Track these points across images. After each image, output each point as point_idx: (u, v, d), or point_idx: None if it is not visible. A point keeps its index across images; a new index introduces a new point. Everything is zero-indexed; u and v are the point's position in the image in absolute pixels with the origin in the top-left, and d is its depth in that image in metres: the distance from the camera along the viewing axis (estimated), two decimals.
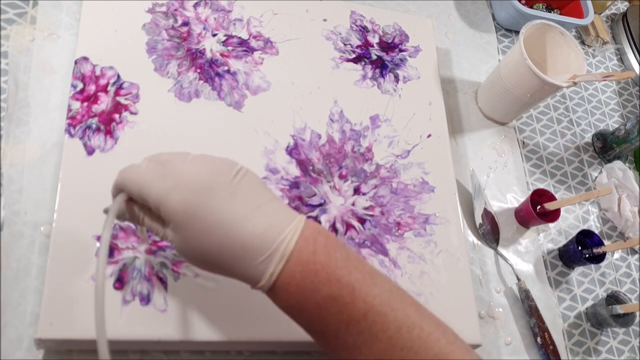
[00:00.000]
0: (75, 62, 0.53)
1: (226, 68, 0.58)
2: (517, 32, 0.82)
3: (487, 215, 0.63)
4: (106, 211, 0.38)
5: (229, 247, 0.34)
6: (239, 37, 0.60)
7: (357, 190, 0.56)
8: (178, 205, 0.34)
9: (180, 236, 0.35)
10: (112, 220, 0.36)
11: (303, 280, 0.34)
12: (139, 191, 0.36)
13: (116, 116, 0.51)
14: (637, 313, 0.62)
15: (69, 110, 0.50)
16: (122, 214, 0.38)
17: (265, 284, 0.35)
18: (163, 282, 0.46)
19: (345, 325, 0.35)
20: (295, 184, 0.54)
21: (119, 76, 0.53)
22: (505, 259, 0.63)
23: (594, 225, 0.71)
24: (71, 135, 0.49)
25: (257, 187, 0.36)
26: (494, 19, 0.82)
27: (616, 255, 0.70)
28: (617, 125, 0.79)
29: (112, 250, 0.46)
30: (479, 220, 0.63)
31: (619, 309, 0.60)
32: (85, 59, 0.53)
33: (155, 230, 0.37)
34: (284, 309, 0.36)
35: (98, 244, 0.41)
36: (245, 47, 0.60)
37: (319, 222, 0.53)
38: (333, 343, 0.36)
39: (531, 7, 0.81)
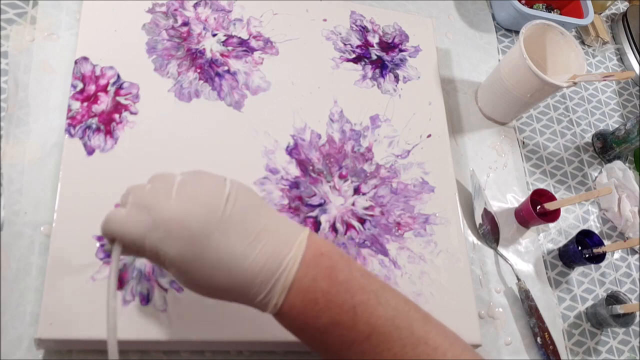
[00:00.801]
0: (75, 62, 0.53)
1: (226, 68, 0.58)
2: (517, 32, 0.82)
3: (487, 215, 0.63)
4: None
5: (230, 287, 0.34)
6: (239, 37, 0.60)
7: (357, 190, 0.56)
8: (173, 256, 0.34)
9: (183, 279, 0.35)
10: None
11: (304, 308, 0.35)
12: (133, 243, 0.35)
13: (116, 116, 0.51)
14: (637, 313, 0.62)
15: (69, 110, 0.50)
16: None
17: (271, 312, 0.36)
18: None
19: (348, 347, 0.35)
20: (295, 184, 0.54)
21: (119, 76, 0.53)
22: (505, 259, 0.63)
23: (594, 225, 0.71)
24: (71, 135, 0.49)
25: (250, 212, 0.35)
26: (494, 19, 0.82)
27: (616, 255, 0.70)
28: (617, 125, 0.79)
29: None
30: (479, 220, 0.63)
31: (619, 309, 0.60)
32: (85, 59, 0.53)
33: (161, 266, 0.37)
34: (290, 331, 0.37)
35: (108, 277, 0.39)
36: (245, 47, 0.60)
37: (319, 222, 0.53)
38: None
39: (531, 7, 0.81)
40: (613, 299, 0.62)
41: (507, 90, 0.66)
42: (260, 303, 0.35)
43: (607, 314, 0.61)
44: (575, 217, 0.70)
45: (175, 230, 0.33)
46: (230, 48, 0.59)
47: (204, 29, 0.59)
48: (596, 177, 0.75)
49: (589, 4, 0.80)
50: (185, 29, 0.58)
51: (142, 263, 0.46)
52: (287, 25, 0.63)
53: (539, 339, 0.58)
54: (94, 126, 0.50)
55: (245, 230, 0.34)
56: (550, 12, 0.83)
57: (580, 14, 0.80)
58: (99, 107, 0.51)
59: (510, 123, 0.73)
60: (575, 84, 0.63)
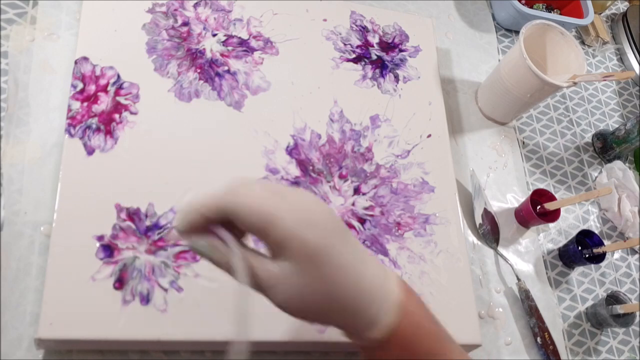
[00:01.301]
0: (75, 62, 0.53)
1: (226, 68, 0.58)
2: (517, 32, 0.82)
3: (487, 215, 0.63)
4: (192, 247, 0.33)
5: (353, 289, 0.33)
6: (239, 37, 0.60)
7: (357, 190, 0.56)
8: (313, 244, 0.31)
9: (304, 277, 0.32)
10: (242, 264, 0.32)
11: (412, 334, 0.35)
12: (259, 221, 0.31)
13: (116, 116, 0.51)
14: (637, 313, 0.62)
15: (69, 110, 0.50)
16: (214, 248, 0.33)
17: (377, 335, 0.34)
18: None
19: None
20: (295, 184, 0.54)
21: (119, 76, 0.53)
22: (505, 259, 0.63)
23: (594, 225, 0.71)
24: (71, 135, 0.49)
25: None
26: (494, 19, 0.82)
27: (616, 255, 0.70)
28: (617, 125, 0.79)
29: (112, 250, 0.46)
30: (479, 220, 0.63)
31: (619, 309, 0.60)
32: (85, 59, 0.53)
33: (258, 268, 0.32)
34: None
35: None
36: (245, 47, 0.60)
37: None
38: None
39: (531, 7, 0.81)
40: (613, 299, 0.62)
41: (507, 90, 0.66)
42: (372, 321, 0.33)
43: (607, 314, 0.61)
44: (575, 217, 0.70)
45: (318, 219, 0.32)
46: (230, 48, 0.59)
47: (204, 29, 0.59)
48: (596, 177, 0.75)
49: (589, 4, 0.80)
50: (185, 29, 0.58)
51: (142, 263, 0.46)
52: (287, 25, 0.63)
53: (539, 339, 0.58)
54: (94, 126, 0.50)
55: (358, 245, 0.35)
56: (550, 12, 0.83)
57: (580, 14, 0.80)
58: (99, 107, 0.51)
59: (510, 123, 0.73)
60: (575, 84, 0.63)
